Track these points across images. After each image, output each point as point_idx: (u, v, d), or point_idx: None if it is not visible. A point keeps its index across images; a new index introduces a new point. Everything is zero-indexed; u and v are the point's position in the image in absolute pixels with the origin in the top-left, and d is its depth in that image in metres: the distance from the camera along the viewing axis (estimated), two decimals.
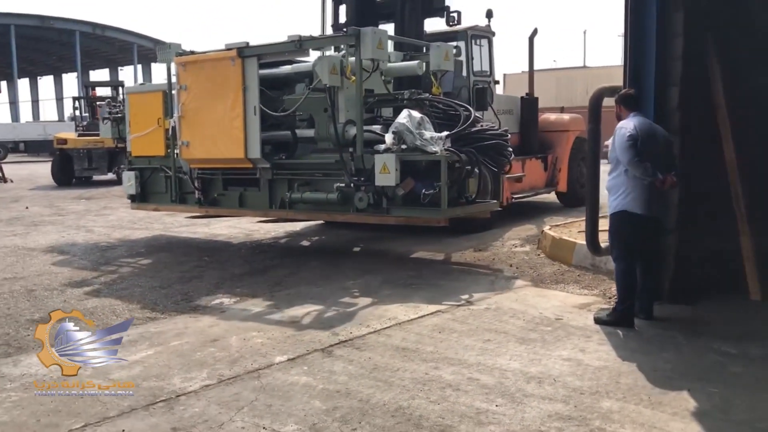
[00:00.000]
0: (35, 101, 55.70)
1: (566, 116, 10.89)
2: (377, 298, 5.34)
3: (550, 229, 7.03)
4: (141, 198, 8.60)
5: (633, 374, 3.70)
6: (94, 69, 47.58)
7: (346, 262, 6.99)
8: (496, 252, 7.15)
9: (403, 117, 6.33)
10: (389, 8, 8.99)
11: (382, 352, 4.00)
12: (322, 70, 6.74)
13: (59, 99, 55.71)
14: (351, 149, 6.51)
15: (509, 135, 7.16)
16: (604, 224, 5.07)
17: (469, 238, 7.72)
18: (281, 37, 7.27)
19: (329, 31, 9.34)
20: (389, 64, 7.19)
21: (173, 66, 7.46)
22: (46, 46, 40.36)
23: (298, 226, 9.07)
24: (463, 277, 6.25)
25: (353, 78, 6.52)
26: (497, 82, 9.74)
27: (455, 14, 8.64)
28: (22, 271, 6.52)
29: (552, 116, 10.81)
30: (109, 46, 39.55)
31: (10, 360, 3.86)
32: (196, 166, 7.68)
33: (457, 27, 8.85)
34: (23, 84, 53.48)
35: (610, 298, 5.16)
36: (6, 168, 18.89)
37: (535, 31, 8.39)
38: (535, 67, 9.96)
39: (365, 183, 6.50)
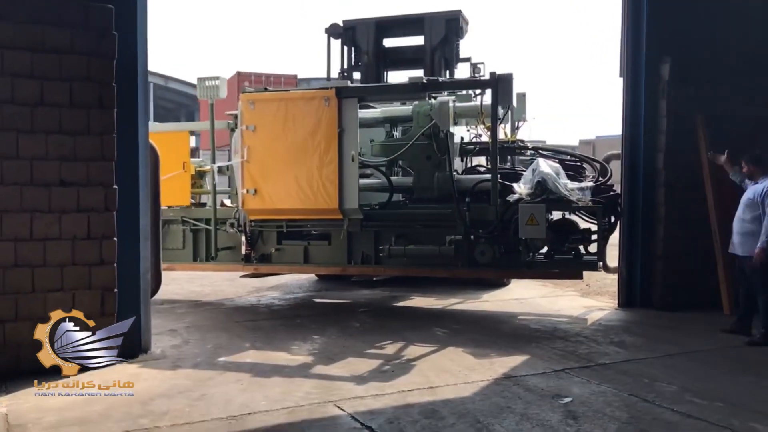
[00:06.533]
0: None
1: None
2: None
3: None
4: None
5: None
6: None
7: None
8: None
9: (544, 165, 7.12)
10: (412, 55, 10.26)
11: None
12: (441, 116, 7.43)
13: None
14: (468, 199, 7.52)
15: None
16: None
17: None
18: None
19: (335, 74, 10.42)
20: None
21: (240, 104, 7.95)
22: None
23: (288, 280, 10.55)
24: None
25: (488, 125, 7.48)
26: None
27: (481, 65, 9.68)
28: None
29: None
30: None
31: None
32: (260, 217, 8.22)
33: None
34: None
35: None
36: None
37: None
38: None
39: (487, 235, 7.41)
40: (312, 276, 10.52)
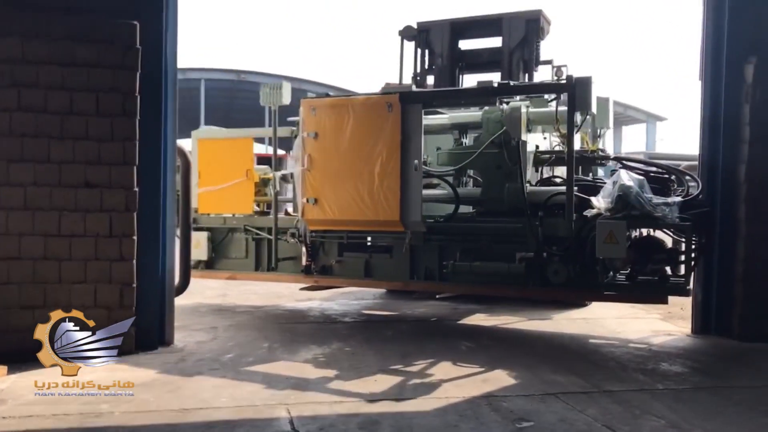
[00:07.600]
0: None
1: None
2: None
3: None
4: (208, 264, 8.82)
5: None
6: None
7: None
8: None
9: (626, 179, 6.61)
10: (489, 57, 9.86)
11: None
12: (512, 122, 7.15)
13: None
14: (541, 213, 7.18)
15: None
16: None
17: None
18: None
19: (407, 80, 10.07)
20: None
21: (301, 110, 7.84)
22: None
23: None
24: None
25: (563, 132, 7.17)
26: None
27: (564, 68, 8.83)
28: None
29: None
30: None
31: None
32: (320, 227, 8.05)
33: None
34: None
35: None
36: None
37: None
38: None
39: (562, 253, 7.03)
40: None
